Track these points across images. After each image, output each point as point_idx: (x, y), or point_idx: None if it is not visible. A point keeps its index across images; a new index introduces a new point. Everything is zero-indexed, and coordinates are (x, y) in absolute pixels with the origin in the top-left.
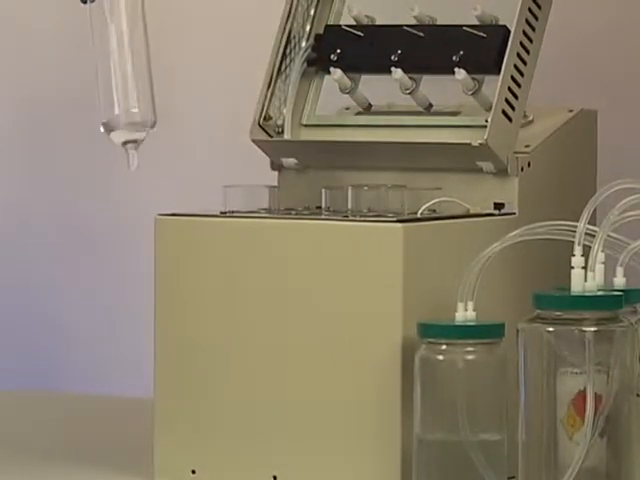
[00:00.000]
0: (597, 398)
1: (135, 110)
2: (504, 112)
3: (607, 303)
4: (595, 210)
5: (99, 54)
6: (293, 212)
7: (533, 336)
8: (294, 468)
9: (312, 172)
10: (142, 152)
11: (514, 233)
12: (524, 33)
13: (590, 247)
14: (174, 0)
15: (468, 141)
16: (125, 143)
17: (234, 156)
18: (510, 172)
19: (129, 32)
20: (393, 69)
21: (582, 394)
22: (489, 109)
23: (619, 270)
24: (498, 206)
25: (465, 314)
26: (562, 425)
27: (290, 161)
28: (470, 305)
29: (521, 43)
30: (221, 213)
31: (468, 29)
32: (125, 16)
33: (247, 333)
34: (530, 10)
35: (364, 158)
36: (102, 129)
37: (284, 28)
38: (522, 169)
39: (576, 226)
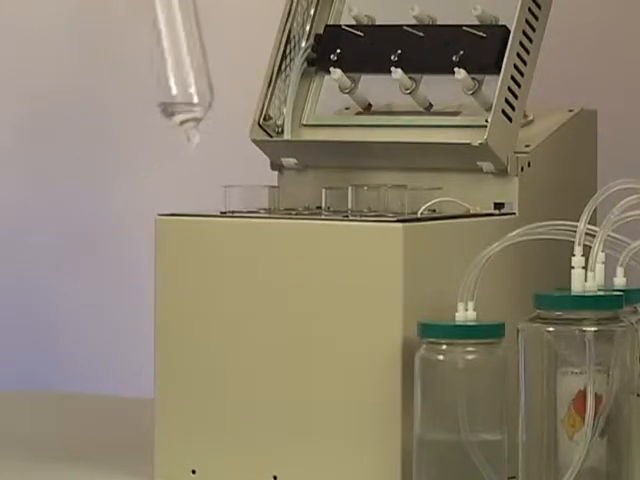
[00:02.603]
0: (597, 398)
1: (192, 90)
2: (504, 112)
3: (607, 303)
4: (595, 210)
5: (156, 34)
6: (293, 212)
7: (533, 336)
8: (294, 468)
9: (312, 172)
10: (142, 152)
11: (514, 233)
12: (524, 33)
13: (590, 247)
14: None
15: (468, 141)
16: (183, 122)
17: (234, 156)
18: (510, 172)
19: (182, 15)
20: (393, 69)
21: (582, 394)
22: (489, 109)
23: (619, 270)
24: (498, 206)
25: (465, 314)
26: (562, 425)
27: (290, 161)
28: (470, 305)
29: (521, 43)
30: (221, 213)
31: (468, 29)
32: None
33: (247, 333)
34: (530, 10)
35: (364, 158)
36: (160, 110)
37: (284, 28)
38: (522, 169)
39: (576, 226)
